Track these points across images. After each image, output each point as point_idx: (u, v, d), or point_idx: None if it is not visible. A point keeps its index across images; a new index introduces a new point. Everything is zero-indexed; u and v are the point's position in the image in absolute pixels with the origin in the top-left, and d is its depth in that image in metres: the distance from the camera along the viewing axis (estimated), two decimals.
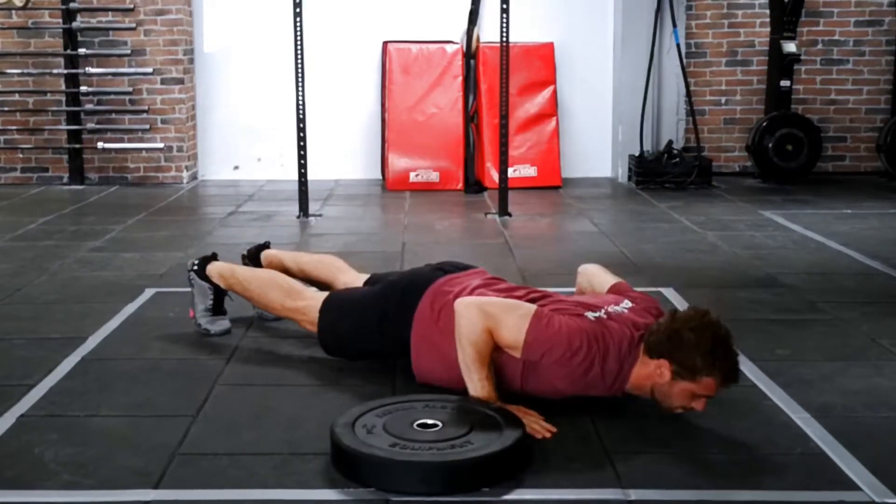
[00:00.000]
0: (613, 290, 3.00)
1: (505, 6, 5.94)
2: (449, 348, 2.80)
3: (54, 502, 2.27)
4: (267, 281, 3.40)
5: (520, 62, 6.95)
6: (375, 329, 3.05)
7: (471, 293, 2.91)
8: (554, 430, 2.59)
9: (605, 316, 2.73)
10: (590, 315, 2.71)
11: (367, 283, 3.43)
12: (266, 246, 3.79)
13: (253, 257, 3.73)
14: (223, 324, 3.53)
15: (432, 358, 2.92)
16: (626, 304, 2.83)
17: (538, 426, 2.59)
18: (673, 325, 2.61)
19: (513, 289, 3.00)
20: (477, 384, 2.68)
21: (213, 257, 3.59)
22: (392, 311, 3.02)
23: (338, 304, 3.21)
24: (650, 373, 2.63)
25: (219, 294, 3.52)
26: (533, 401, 2.72)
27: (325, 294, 3.28)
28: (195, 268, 3.52)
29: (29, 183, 7.32)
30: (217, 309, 3.53)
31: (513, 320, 2.66)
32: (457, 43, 7.37)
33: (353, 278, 3.49)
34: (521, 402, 2.69)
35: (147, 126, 7.25)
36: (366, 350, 3.14)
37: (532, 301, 2.84)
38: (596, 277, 3.13)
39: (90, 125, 7.27)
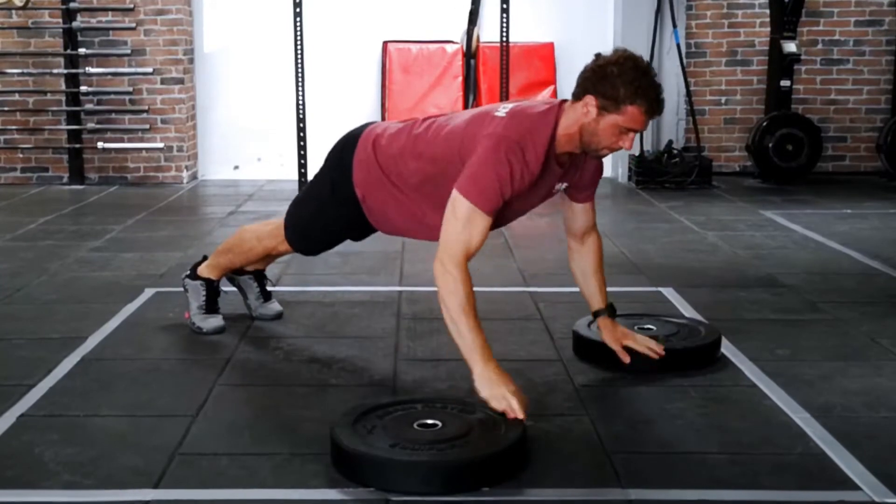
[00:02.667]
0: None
1: (505, 6, 5.94)
2: (392, 189, 2.96)
3: (54, 502, 2.27)
4: (238, 239, 3.53)
5: (520, 62, 6.96)
6: (330, 200, 3.15)
7: (387, 130, 3.02)
8: (522, 417, 2.49)
9: (499, 116, 2.74)
10: (487, 131, 2.70)
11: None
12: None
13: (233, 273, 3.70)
14: (216, 321, 3.53)
15: (381, 202, 3.03)
16: (503, 106, 2.84)
17: (515, 406, 2.50)
18: (597, 62, 2.71)
19: (408, 124, 3.06)
20: (466, 336, 2.60)
21: (203, 259, 3.64)
22: (337, 175, 3.12)
23: (295, 201, 3.38)
24: (577, 115, 2.71)
25: (210, 290, 3.54)
26: (529, 401, 2.70)
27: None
28: (188, 273, 3.60)
29: (29, 183, 7.32)
30: (210, 307, 3.54)
31: (465, 226, 2.65)
32: (457, 43, 7.37)
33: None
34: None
35: (147, 126, 7.25)
36: (333, 228, 3.25)
37: (422, 128, 2.94)
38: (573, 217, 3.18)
39: (90, 125, 7.27)
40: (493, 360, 2.60)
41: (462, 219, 2.66)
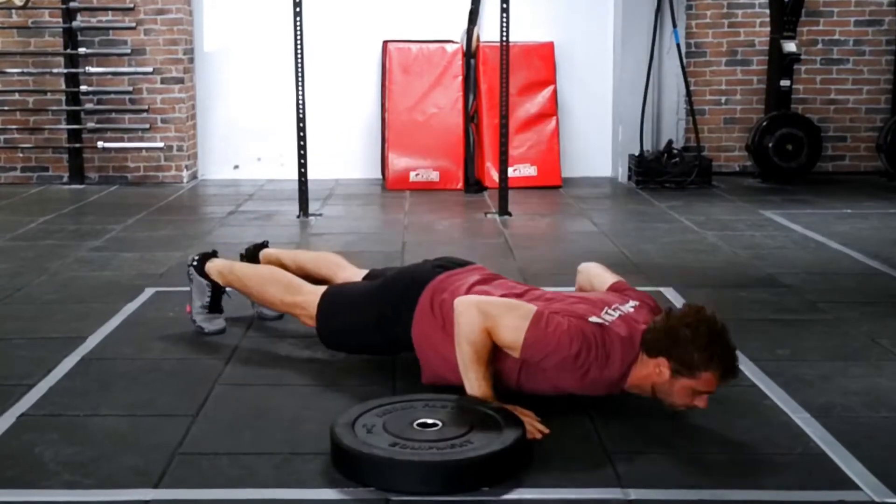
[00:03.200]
0: (613, 288, 2.99)
1: (505, 6, 5.94)
2: (450, 347, 2.78)
3: (54, 502, 2.27)
4: (266, 276, 3.40)
5: (520, 62, 6.96)
6: (373, 326, 3.06)
7: (469, 290, 2.90)
8: (547, 431, 2.57)
9: (609, 318, 2.71)
10: (593, 319, 2.68)
11: (366, 277, 3.42)
12: (264, 245, 3.77)
13: (251, 256, 3.72)
14: (219, 323, 3.53)
15: (435, 357, 2.91)
16: (632, 303, 2.82)
17: (532, 427, 2.57)
18: (669, 322, 2.61)
19: (512, 286, 3.00)
20: (474, 383, 2.67)
21: (213, 254, 3.59)
22: (390, 311, 3.03)
23: (336, 297, 3.20)
24: (649, 372, 2.63)
25: (216, 292, 3.52)
26: (530, 399, 2.71)
27: (323, 288, 3.27)
28: (194, 263, 3.52)
29: (29, 182, 7.32)
30: (214, 307, 3.53)
31: (512, 321, 2.64)
32: (457, 43, 7.37)
33: (351, 274, 3.48)
34: (518, 400, 2.69)
35: (147, 125, 7.25)
36: (365, 344, 3.16)
37: (532, 300, 2.83)
38: (596, 277, 3.13)
39: (90, 124, 7.27)
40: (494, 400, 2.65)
41: (518, 311, 2.66)
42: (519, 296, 2.87)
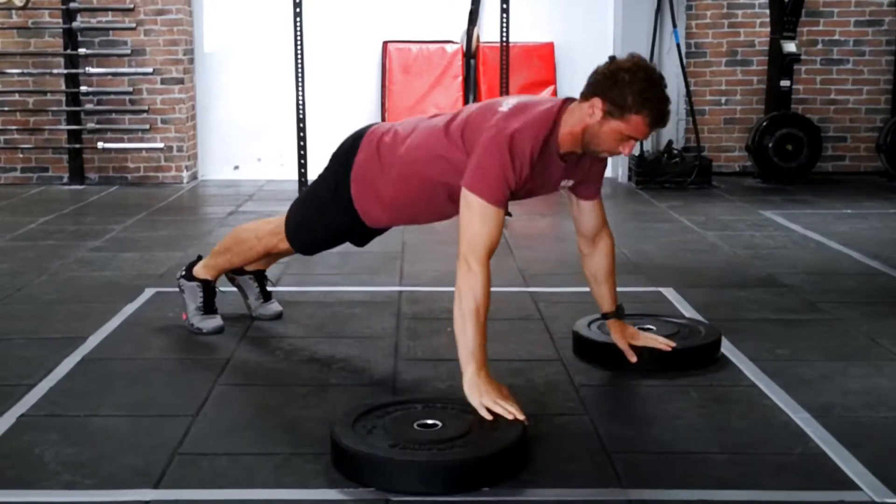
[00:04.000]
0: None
1: (505, 6, 5.94)
2: (384, 183, 2.99)
3: (54, 502, 2.27)
4: (234, 238, 3.51)
5: (520, 62, 6.96)
6: (332, 201, 3.15)
7: (395, 131, 3.03)
8: (522, 418, 2.48)
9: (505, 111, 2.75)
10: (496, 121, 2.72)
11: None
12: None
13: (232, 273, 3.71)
14: (215, 322, 3.53)
15: (369, 194, 3.05)
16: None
17: (508, 409, 2.49)
18: (610, 66, 2.70)
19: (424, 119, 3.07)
20: (470, 338, 2.59)
21: (198, 259, 3.63)
22: (341, 175, 3.13)
23: (297, 200, 3.37)
24: (583, 115, 2.71)
25: (207, 291, 3.54)
26: (520, 396, 2.70)
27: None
28: (183, 273, 3.59)
29: (29, 183, 7.32)
30: (208, 307, 3.54)
31: (481, 222, 2.65)
32: (457, 43, 7.37)
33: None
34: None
35: (147, 126, 7.25)
36: (334, 228, 3.24)
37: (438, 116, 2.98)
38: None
39: (90, 125, 7.27)
40: (486, 369, 2.59)
41: (478, 215, 2.67)
42: (416, 123, 3.02)
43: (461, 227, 2.69)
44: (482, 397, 2.52)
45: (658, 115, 2.68)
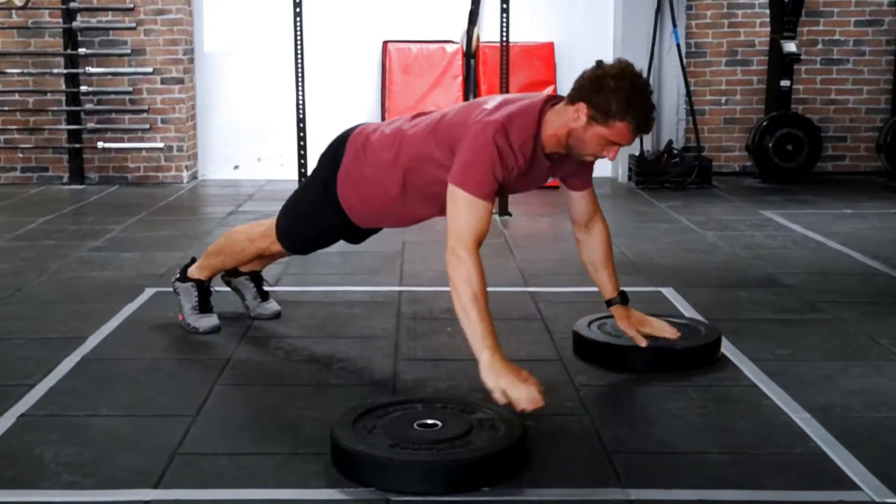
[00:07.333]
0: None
1: (505, 6, 5.94)
2: (372, 182, 3.00)
3: (54, 502, 2.27)
4: (227, 240, 3.53)
5: (520, 62, 6.96)
6: (323, 201, 3.16)
7: (382, 131, 3.04)
8: (541, 404, 2.49)
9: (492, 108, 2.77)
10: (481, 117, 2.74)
11: None
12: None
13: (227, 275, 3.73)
14: (211, 321, 3.54)
15: (356, 194, 3.07)
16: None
17: (516, 398, 2.49)
18: (597, 72, 2.71)
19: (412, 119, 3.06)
20: (477, 325, 2.59)
21: (192, 262, 3.64)
22: (329, 176, 3.14)
23: (288, 202, 3.37)
24: (567, 119, 2.72)
25: (202, 290, 3.55)
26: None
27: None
28: (177, 276, 3.60)
29: (29, 182, 7.32)
30: (203, 307, 3.55)
31: (469, 214, 2.67)
32: (457, 43, 7.37)
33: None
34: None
35: (147, 126, 7.25)
36: (325, 228, 3.25)
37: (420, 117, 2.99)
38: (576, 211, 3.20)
39: (90, 125, 7.27)
40: (500, 352, 2.59)
41: (464, 208, 2.68)
42: (402, 123, 3.01)
43: (448, 222, 2.71)
44: (499, 380, 2.52)
45: (642, 122, 2.69)
